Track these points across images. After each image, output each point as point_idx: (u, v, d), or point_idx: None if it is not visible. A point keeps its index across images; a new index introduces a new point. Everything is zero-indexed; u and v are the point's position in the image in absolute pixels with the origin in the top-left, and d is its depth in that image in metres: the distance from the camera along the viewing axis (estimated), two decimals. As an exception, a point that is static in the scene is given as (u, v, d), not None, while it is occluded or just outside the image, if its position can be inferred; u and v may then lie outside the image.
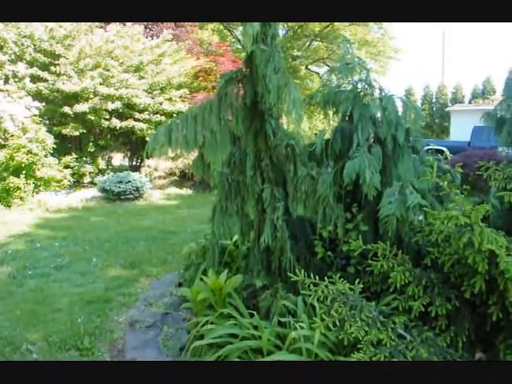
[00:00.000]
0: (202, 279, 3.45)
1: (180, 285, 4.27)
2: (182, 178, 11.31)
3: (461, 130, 16.84)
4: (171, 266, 5.25)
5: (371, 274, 3.04)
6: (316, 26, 23.31)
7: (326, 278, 2.76)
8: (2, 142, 9.65)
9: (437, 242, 2.80)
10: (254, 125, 3.06)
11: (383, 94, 3.18)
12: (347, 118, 3.27)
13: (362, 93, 3.22)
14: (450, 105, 24.16)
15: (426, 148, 12.29)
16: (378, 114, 3.20)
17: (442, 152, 13.55)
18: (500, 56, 46.17)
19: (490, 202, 3.30)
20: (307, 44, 24.81)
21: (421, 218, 3.13)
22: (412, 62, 50.82)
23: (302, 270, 2.80)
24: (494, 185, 3.40)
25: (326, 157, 3.25)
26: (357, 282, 2.80)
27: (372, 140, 3.11)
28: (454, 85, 26.37)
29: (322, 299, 2.66)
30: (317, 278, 2.76)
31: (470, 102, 24.51)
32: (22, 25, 10.78)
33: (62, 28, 11.04)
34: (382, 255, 2.88)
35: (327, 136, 3.42)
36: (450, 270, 2.83)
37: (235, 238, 3.92)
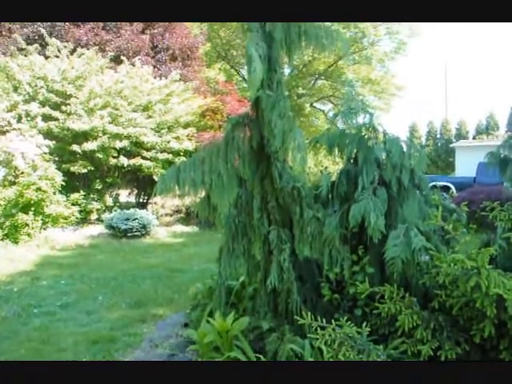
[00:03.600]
0: (208, 321, 3.43)
1: (186, 325, 4.24)
2: (189, 216, 11.36)
3: (466, 165, 16.86)
4: (177, 305, 5.21)
5: (379, 316, 3.02)
6: (320, 65, 23.89)
7: (333, 320, 2.75)
8: (13, 179, 9.81)
9: (444, 283, 2.79)
10: (261, 167, 3.13)
11: (387, 137, 3.25)
12: (352, 161, 3.34)
13: (366, 136, 3.29)
14: (454, 140, 24.29)
15: (432, 184, 12.36)
16: (383, 156, 3.26)
17: (448, 188, 13.57)
18: (502, 91, 46.80)
19: (497, 242, 3.30)
20: (312, 82, 25.35)
21: (428, 258, 3.14)
22: (415, 98, 51.52)
23: (309, 313, 2.79)
24: (500, 225, 3.41)
25: (331, 199, 3.30)
26: (364, 324, 2.78)
27: (377, 182, 3.16)
28: (457, 120, 26.59)
29: (329, 343, 2.64)
30: (324, 320, 2.75)
31: (474, 138, 24.65)
32: (37, 67, 11.15)
33: (74, 69, 11.39)
34: (389, 298, 2.86)
35: (333, 178, 3.48)
36: (459, 312, 2.81)
37: (242, 278, 3.92)
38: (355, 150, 3.24)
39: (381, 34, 24.40)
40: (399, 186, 3.17)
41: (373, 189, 3.04)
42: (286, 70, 23.85)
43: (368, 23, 23.48)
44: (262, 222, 3.16)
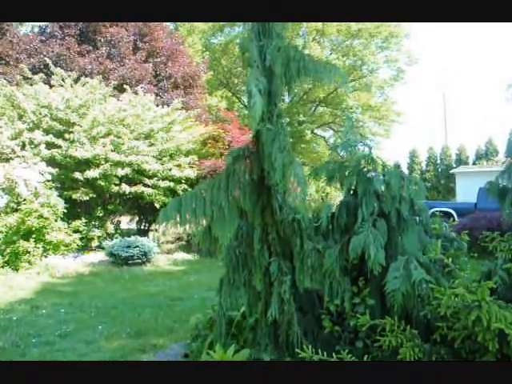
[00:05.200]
0: (208, 353, 3.41)
1: (186, 356, 4.19)
2: (190, 243, 11.33)
3: (467, 191, 16.92)
4: (177, 334, 5.16)
5: (380, 348, 3.00)
6: (321, 93, 24.25)
7: (334, 353, 2.73)
8: (15, 206, 9.85)
9: (445, 315, 2.79)
10: (261, 199, 3.16)
11: (386, 169, 3.30)
12: (352, 192, 3.38)
13: (365, 168, 3.34)
14: (454, 165, 24.44)
15: (434, 210, 12.35)
16: (382, 188, 3.29)
17: (449, 214, 13.58)
18: (501, 117, 47.26)
19: (498, 274, 3.30)
20: (312, 109, 25.69)
21: (428, 288, 3.13)
22: (415, 124, 52.06)
23: (310, 346, 2.78)
24: (501, 256, 3.42)
25: (331, 230, 3.32)
26: (365, 357, 2.76)
27: (376, 214, 3.18)
28: (457, 146, 26.81)
29: (330, 377, 2.61)
30: (325, 352, 2.72)
31: (474, 163, 24.79)
32: (41, 96, 11.34)
33: (78, 98, 11.57)
34: (391, 330, 2.85)
35: (333, 208, 3.50)
36: (461, 345, 2.79)
37: (242, 308, 3.90)
38: (355, 182, 3.29)
39: (380, 62, 24.89)
40: (399, 217, 3.19)
41: (372, 220, 3.06)
42: (287, 98, 24.21)
43: (367, 51, 23.98)
44: (263, 254, 3.18)
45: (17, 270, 8.90)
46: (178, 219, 3.02)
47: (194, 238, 3.19)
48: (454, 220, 5.34)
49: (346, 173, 3.30)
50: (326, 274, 3.00)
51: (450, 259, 2.89)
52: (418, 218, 3.66)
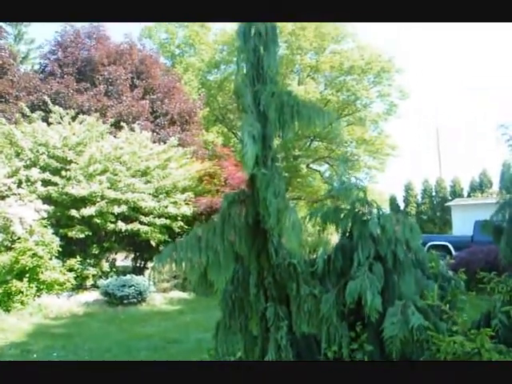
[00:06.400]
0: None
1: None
2: (186, 281, 11.18)
3: (463, 223, 16.90)
4: (172, 379, 5.03)
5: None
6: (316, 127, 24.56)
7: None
8: (9, 245, 9.75)
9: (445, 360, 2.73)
10: (257, 243, 3.15)
11: (381, 212, 3.31)
12: (347, 235, 3.37)
13: (360, 211, 3.35)
14: (449, 198, 24.51)
15: (430, 244, 12.21)
16: (378, 231, 3.29)
17: (446, 247, 13.50)
18: (493, 148, 47.86)
19: (498, 317, 3.26)
20: (308, 144, 25.97)
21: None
22: (410, 157, 52.65)
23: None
24: (499, 298, 3.39)
25: (328, 273, 3.29)
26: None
27: (373, 257, 3.17)
28: (451, 178, 26.99)
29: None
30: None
31: (468, 195, 24.87)
32: (39, 134, 11.45)
33: (75, 136, 11.68)
34: (390, 378, 2.79)
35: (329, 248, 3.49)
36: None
37: (239, 353, 3.82)
38: (350, 225, 3.29)
39: (373, 97, 25.37)
40: (395, 259, 3.18)
41: (369, 264, 3.05)
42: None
43: (360, 86, 24.47)
44: (259, 298, 3.14)
45: (8, 311, 8.71)
46: (173, 266, 3.00)
47: (190, 285, 3.16)
48: (451, 257, 5.32)
49: (341, 215, 3.31)
50: (323, 319, 2.96)
51: (449, 301, 2.86)
52: (414, 256, 3.64)
